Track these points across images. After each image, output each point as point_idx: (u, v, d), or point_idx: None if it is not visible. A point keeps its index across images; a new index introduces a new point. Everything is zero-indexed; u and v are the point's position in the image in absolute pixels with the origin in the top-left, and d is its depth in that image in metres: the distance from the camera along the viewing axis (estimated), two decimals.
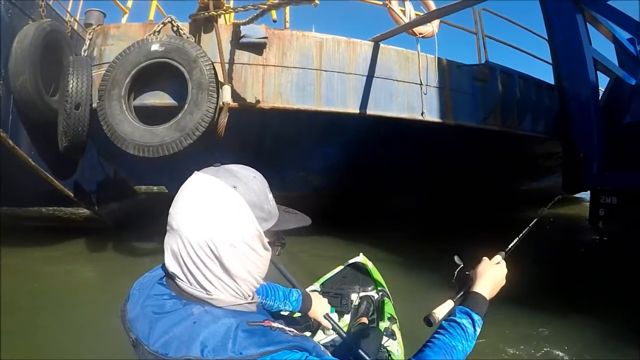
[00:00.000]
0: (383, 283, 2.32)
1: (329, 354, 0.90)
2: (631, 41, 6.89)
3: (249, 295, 0.85)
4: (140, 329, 0.79)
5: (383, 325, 1.92)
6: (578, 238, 6.29)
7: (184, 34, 3.92)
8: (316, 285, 2.28)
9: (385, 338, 1.71)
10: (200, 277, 0.77)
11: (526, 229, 1.39)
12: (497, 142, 6.30)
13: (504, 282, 1.13)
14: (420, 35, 4.86)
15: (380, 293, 2.22)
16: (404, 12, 4.90)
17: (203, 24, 4.02)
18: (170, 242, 0.81)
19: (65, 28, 4.33)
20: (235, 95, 3.78)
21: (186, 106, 3.57)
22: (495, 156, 6.92)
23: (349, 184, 5.65)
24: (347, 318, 2.03)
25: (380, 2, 4.91)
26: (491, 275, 1.10)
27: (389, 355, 1.70)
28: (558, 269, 4.65)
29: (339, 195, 5.95)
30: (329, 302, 1.95)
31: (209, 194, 0.78)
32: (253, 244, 0.80)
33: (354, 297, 2.16)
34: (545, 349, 2.63)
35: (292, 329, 0.81)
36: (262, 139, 4.60)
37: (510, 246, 1.28)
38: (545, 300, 3.38)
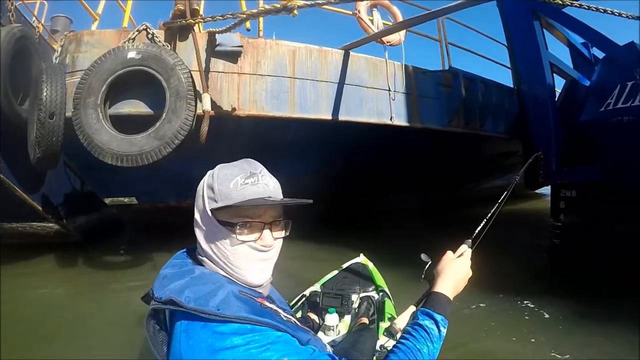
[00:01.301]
0: (383, 283, 2.35)
1: (329, 350, 1.03)
2: (585, 45, 7.38)
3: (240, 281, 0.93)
4: (155, 286, 0.90)
5: (383, 325, 1.90)
6: (548, 230, 6.73)
7: (160, 41, 3.91)
8: (317, 286, 2.32)
9: (385, 338, 1.68)
10: (201, 247, 0.96)
11: (495, 208, 1.46)
12: (461, 143, 6.61)
13: (468, 274, 1.12)
14: (388, 44, 5.07)
15: (381, 293, 2.23)
16: (372, 21, 5.10)
17: (178, 31, 4.04)
18: None
19: (34, 34, 4.27)
20: (211, 103, 3.84)
21: (164, 114, 3.58)
22: (460, 156, 7.26)
23: (328, 188, 5.77)
24: (347, 319, 2.05)
25: (350, 12, 5.08)
26: (452, 271, 1.09)
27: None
28: (531, 257, 5.17)
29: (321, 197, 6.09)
30: (330, 303, 2.01)
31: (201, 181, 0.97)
32: (203, 221, 0.94)
33: (355, 298, 2.17)
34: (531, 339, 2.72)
35: (291, 317, 0.92)
36: (235, 146, 4.65)
37: (476, 231, 1.30)
38: (525, 287, 3.64)
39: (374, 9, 5.15)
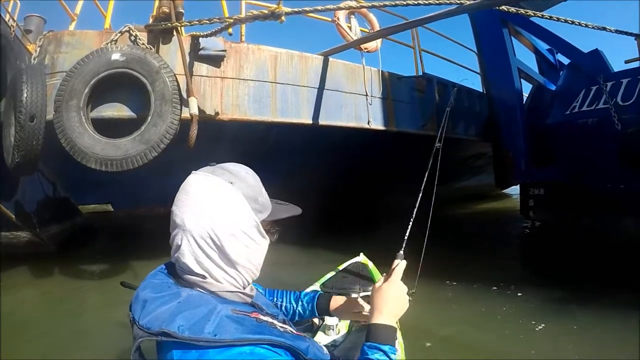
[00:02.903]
0: None
1: (327, 353, 0.98)
2: (550, 51, 7.73)
3: (248, 284, 0.94)
4: (135, 310, 0.85)
5: None
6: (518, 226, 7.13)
7: (143, 43, 3.89)
8: (316, 286, 2.30)
9: None
10: (200, 265, 0.86)
11: (413, 216, 1.50)
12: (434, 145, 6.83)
13: (402, 292, 1.11)
14: (366, 50, 5.24)
15: None
16: (350, 27, 5.25)
17: (161, 34, 4.04)
18: (174, 236, 0.89)
19: (9, 33, 4.18)
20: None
21: (149, 118, 3.56)
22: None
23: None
24: None
25: (329, 19, 5.22)
26: (386, 298, 1.08)
27: None
28: (502, 251, 5.59)
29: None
30: None
31: (208, 190, 0.88)
32: (251, 234, 0.90)
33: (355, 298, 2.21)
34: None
35: (286, 326, 0.87)
36: (217, 150, 4.68)
37: (404, 244, 1.31)
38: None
39: (352, 16, 5.31)
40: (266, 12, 3.20)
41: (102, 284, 4.41)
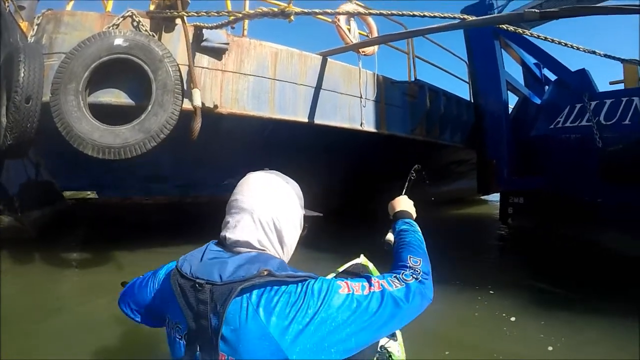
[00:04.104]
0: None
1: None
2: (537, 65, 7.99)
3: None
4: (211, 273, 0.92)
5: None
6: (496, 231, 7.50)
7: (146, 30, 3.83)
8: None
9: (385, 339, 1.73)
10: (259, 242, 1.01)
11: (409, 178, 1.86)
12: (420, 149, 7.00)
13: (410, 201, 1.53)
14: (363, 53, 5.31)
15: None
16: (349, 29, 5.31)
17: (164, 22, 3.99)
18: (236, 217, 1.03)
19: (4, 7, 4.06)
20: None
21: (150, 107, 3.52)
22: (419, 162, 7.68)
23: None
24: None
25: (330, 19, 5.26)
26: (404, 200, 1.52)
27: (390, 355, 1.73)
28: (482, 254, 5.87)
29: None
30: None
31: (273, 185, 1.08)
32: (298, 224, 1.12)
33: None
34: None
35: None
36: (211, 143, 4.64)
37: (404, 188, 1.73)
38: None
39: (352, 18, 5.35)
40: (276, 10, 3.23)
41: (84, 271, 4.35)
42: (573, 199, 5.67)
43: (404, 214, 1.43)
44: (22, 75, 3.36)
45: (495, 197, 9.12)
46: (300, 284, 0.91)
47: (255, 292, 0.88)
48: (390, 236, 1.39)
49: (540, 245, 6.02)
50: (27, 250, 4.78)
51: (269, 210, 1.03)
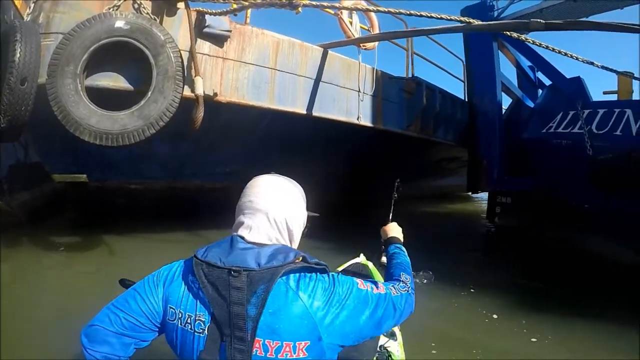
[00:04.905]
0: None
1: None
2: (531, 68, 8.06)
3: None
4: (245, 260, 0.97)
5: None
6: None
7: (148, 13, 3.73)
8: None
9: (385, 338, 1.76)
10: (270, 240, 1.06)
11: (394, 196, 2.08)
12: (413, 145, 7.06)
13: (398, 227, 1.70)
14: (364, 48, 5.30)
15: None
16: (351, 22, 5.29)
17: (165, 6, 3.89)
18: (250, 217, 1.08)
19: None
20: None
21: (150, 93, 3.45)
22: (412, 158, 7.78)
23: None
24: None
25: (332, 12, 5.21)
26: (394, 227, 1.69)
27: (390, 355, 1.75)
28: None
29: None
30: None
31: (284, 188, 1.14)
32: (302, 224, 1.19)
33: None
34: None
35: None
36: (208, 131, 4.58)
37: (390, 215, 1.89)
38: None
39: (354, 12, 5.32)
40: (284, 0, 3.19)
41: (72, 256, 4.28)
42: (560, 203, 5.80)
43: (395, 240, 1.61)
44: (18, 55, 3.22)
45: (482, 194, 9.27)
46: (327, 274, 1.03)
47: (292, 276, 0.98)
48: (384, 258, 1.61)
49: (526, 246, 6.15)
50: (16, 233, 4.65)
51: (282, 210, 1.09)
